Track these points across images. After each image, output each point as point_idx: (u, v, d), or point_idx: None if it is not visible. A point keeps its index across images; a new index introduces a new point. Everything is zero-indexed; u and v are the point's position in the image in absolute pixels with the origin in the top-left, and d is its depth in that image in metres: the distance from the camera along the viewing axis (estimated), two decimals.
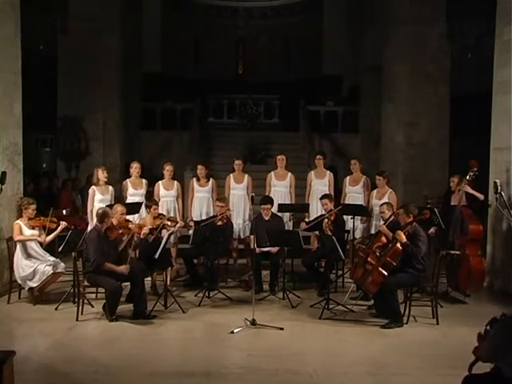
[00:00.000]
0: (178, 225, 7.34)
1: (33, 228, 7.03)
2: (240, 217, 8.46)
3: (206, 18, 20.41)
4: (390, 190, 8.14)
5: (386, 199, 7.75)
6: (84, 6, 12.56)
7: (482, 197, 7.39)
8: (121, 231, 6.58)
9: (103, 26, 12.74)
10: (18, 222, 6.99)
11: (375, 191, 8.21)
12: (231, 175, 8.68)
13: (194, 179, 8.58)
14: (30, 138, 13.43)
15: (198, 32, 20.35)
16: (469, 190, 7.26)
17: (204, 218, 8.15)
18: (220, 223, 7.65)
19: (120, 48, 13.34)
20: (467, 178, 7.22)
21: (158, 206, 7.59)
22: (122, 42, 13.46)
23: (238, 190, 8.53)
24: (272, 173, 8.76)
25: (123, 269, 6.25)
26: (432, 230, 7.61)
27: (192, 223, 7.68)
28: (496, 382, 3.14)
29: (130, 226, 6.75)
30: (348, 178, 8.70)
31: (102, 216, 6.47)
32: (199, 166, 8.55)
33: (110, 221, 6.52)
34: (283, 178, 8.65)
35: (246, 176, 8.63)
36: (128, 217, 7.28)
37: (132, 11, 14.85)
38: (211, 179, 8.55)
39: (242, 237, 8.49)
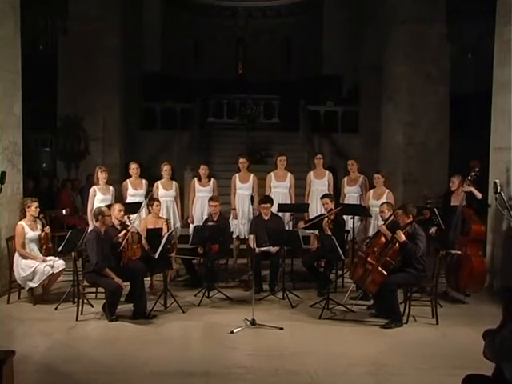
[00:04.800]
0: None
1: (35, 229, 7.05)
2: (245, 217, 8.44)
3: (205, 18, 20.40)
4: (388, 190, 8.13)
5: (384, 199, 7.74)
6: (84, 6, 12.57)
7: (479, 195, 7.37)
8: (121, 234, 6.57)
9: (103, 26, 12.72)
10: (21, 222, 6.99)
11: (372, 191, 8.19)
12: (236, 175, 8.63)
13: (195, 179, 8.57)
14: (30, 138, 13.42)
15: (198, 32, 20.34)
16: (470, 189, 7.25)
17: (205, 217, 8.15)
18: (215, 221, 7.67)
19: (120, 48, 13.33)
20: (469, 178, 7.21)
21: (159, 203, 7.61)
22: (122, 42, 13.45)
23: (244, 189, 8.46)
24: (272, 174, 8.72)
25: (119, 281, 6.25)
26: (432, 230, 7.60)
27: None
28: (496, 382, 3.15)
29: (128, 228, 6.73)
30: (346, 178, 8.71)
31: (97, 214, 6.54)
32: (202, 166, 8.53)
33: (107, 220, 6.53)
34: (283, 179, 8.62)
35: (252, 175, 8.57)
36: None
37: (132, 11, 14.84)
38: (212, 179, 8.55)
39: (246, 237, 8.46)
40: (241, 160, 8.62)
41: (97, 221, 6.54)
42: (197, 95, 16.58)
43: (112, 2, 13.03)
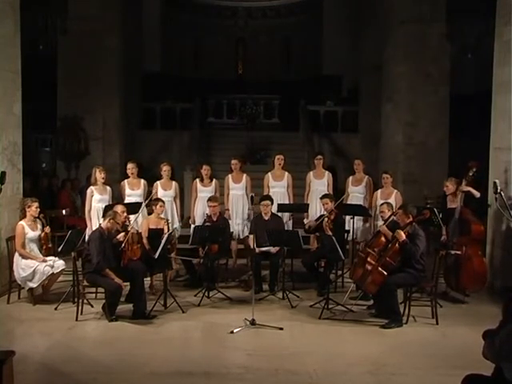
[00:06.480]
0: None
1: (35, 229, 7.05)
2: (239, 217, 8.44)
3: (206, 18, 20.41)
4: (396, 190, 8.12)
5: (392, 199, 7.73)
6: (84, 6, 12.58)
7: (478, 194, 7.37)
8: (122, 234, 6.57)
9: (103, 26, 12.74)
10: (21, 222, 6.99)
11: (379, 191, 8.18)
12: (229, 175, 8.64)
13: (198, 180, 8.57)
14: (30, 138, 13.43)
15: (198, 32, 20.35)
16: (468, 188, 7.25)
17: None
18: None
19: (120, 48, 13.34)
20: (467, 178, 7.21)
21: (163, 203, 7.60)
22: (122, 42, 13.46)
23: (237, 189, 8.49)
24: (269, 174, 8.72)
25: (119, 281, 6.25)
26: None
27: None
28: (496, 382, 3.15)
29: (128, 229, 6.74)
30: (351, 178, 8.69)
31: (110, 215, 6.52)
32: (205, 167, 8.52)
33: (115, 226, 6.53)
34: (280, 179, 8.63)
35: (245, 176, 8.59)
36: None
37: (132, 11, 14.85)
38: (214, 179, 8.55)
39: (242, 237, 8.48)
40: (233, 162, 8.63)
41: (104, 219, 6.54)
42: (197, 95, 16.60)
43: (112, 2, 13.05)
